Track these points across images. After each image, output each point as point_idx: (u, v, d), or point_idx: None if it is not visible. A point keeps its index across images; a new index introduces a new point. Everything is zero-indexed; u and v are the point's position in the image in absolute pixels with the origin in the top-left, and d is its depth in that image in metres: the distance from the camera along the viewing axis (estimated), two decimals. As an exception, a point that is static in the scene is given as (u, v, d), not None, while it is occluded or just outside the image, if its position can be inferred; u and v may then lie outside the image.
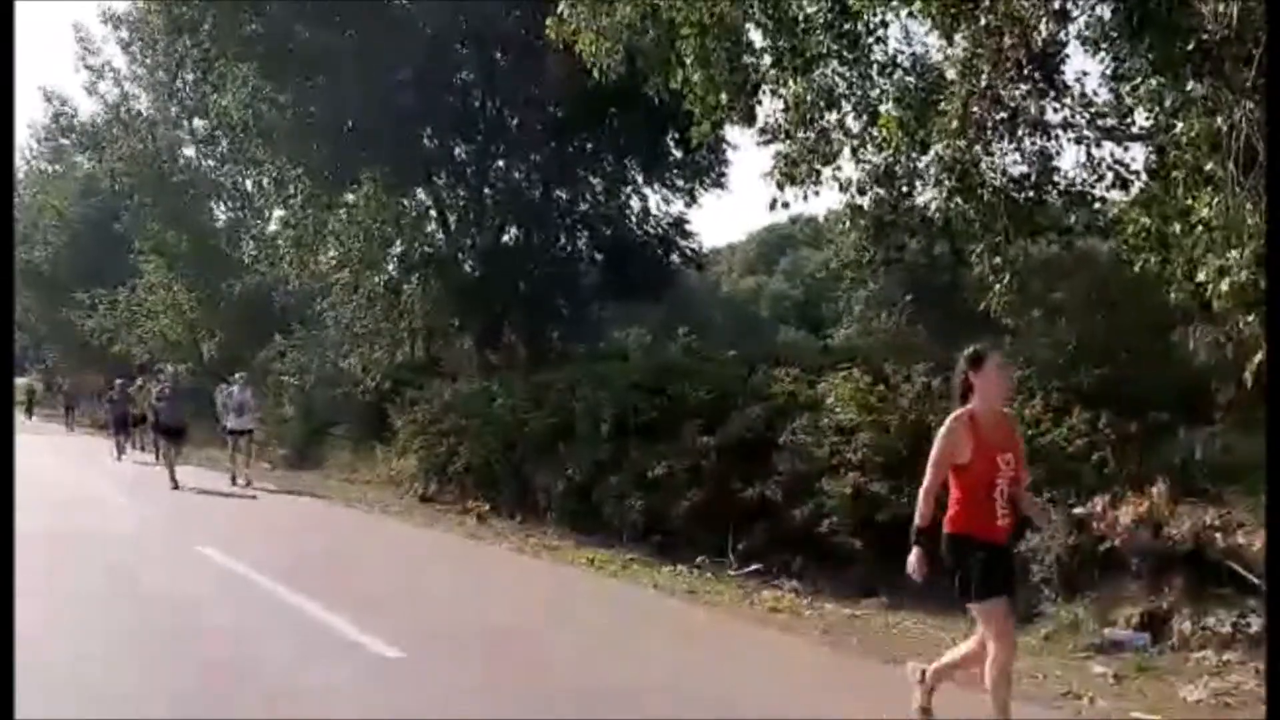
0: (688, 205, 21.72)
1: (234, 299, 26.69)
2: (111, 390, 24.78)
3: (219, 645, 6.89)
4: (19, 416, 35.32)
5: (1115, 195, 9.80)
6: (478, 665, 6.44)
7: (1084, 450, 8.51)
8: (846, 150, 11.16)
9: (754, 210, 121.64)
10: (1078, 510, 7.88)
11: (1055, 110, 9.59)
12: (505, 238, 21.10)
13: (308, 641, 7.01)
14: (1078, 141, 9.42)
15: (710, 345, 15.42)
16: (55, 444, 26.62)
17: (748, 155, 50.20)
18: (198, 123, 26.50)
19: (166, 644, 6.95)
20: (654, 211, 21.84)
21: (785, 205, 11.08)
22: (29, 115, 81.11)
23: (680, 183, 21.37)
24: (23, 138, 51.54)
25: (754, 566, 9.79)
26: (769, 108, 10.85)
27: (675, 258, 22.52)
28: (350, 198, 19.25)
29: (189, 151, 30.61)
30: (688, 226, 22.15)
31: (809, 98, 10.59)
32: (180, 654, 6.68)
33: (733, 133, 22.04)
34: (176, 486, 16.64)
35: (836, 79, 10.88)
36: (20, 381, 49.38)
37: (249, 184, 28.19)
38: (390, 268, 20.32)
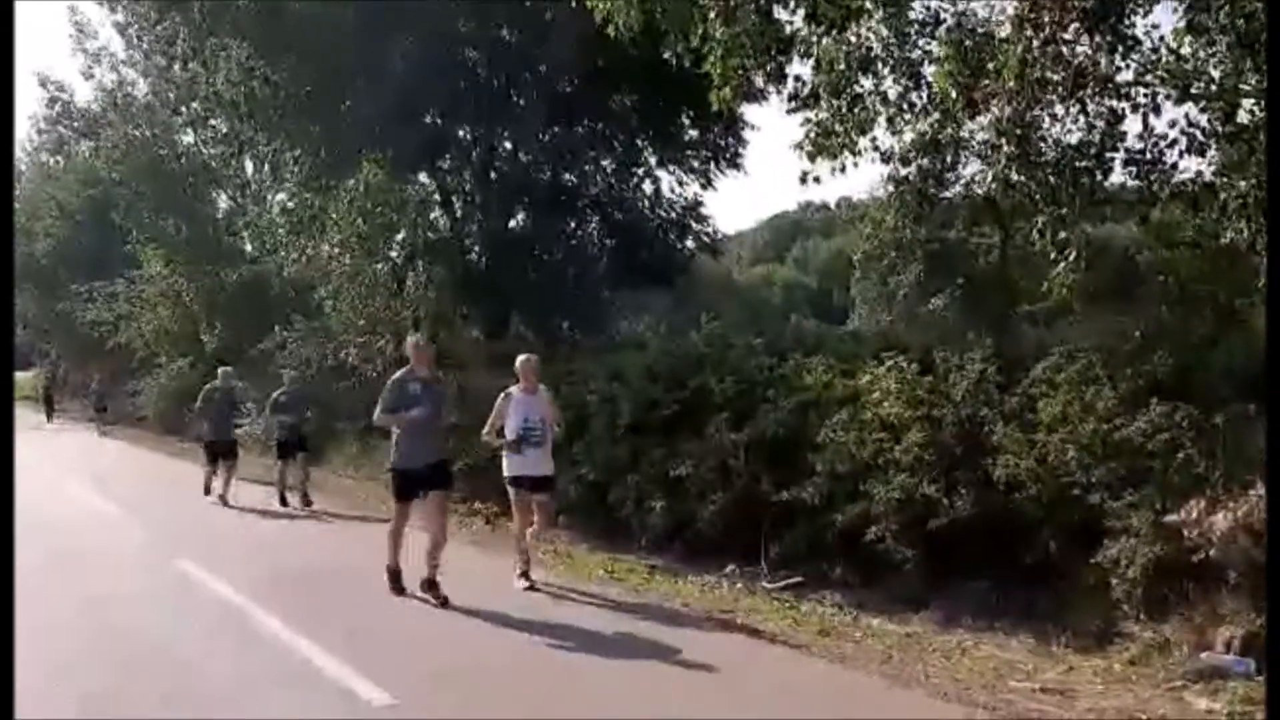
0: (703, 188, 20.82)
1: (233, 289, 25.77)
2: (215, 388, 15.48)
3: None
4: (39, 419, 33.28)
5: (1186, 163, 8.91)
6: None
7: (1166, 446, 7.52)
8: (882, 118, 10.26)
9: (765, 197, 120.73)
10: (1170, 517, 6.91)
11: (1124, 68, 8.66)
12: (512, 223, 20.23)
13: (294, 687, 6.11)
14: (1153, 105, 8.40)
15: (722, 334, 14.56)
16: (106, 468, 20.05)
17: (760, 138, 49.17)
18: (193, 106, 25.55)
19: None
20: (667, 194, 20.96)
21: (816, 180, 10.14)
22: (25, 100, 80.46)
23: (695, 164, 20.44)
24: (22, 130, 51.09)
25: (793, 579, 8.85)
26: (798, 70, 9.96)
27: (690, 243, 21.59)
28: (350, 181, 18.31)
29: (187, 138, 29.71)
30: (703, 210, 21.24)
31: (843, 59, 9.65)
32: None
33: (750, 111, 21.39)
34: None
35: (872, 38, 9.97)
36: (25, 376, 48.85)
37: (248, 169, 27.33)
38: (393, 255, 19.38)
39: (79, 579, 9.18)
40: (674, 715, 5.47)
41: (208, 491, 14.70)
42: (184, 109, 26.67)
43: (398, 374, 8.37)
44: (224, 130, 23.04)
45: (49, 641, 6.78)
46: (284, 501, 13.92)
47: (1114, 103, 8.45)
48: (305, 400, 14.80)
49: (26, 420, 32.14)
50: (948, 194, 10.64)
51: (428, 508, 8.24)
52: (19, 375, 44.78)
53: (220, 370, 15.67)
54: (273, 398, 14.41)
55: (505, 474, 8.65)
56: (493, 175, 19.54)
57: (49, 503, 13.72)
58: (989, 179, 9.26)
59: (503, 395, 8.63)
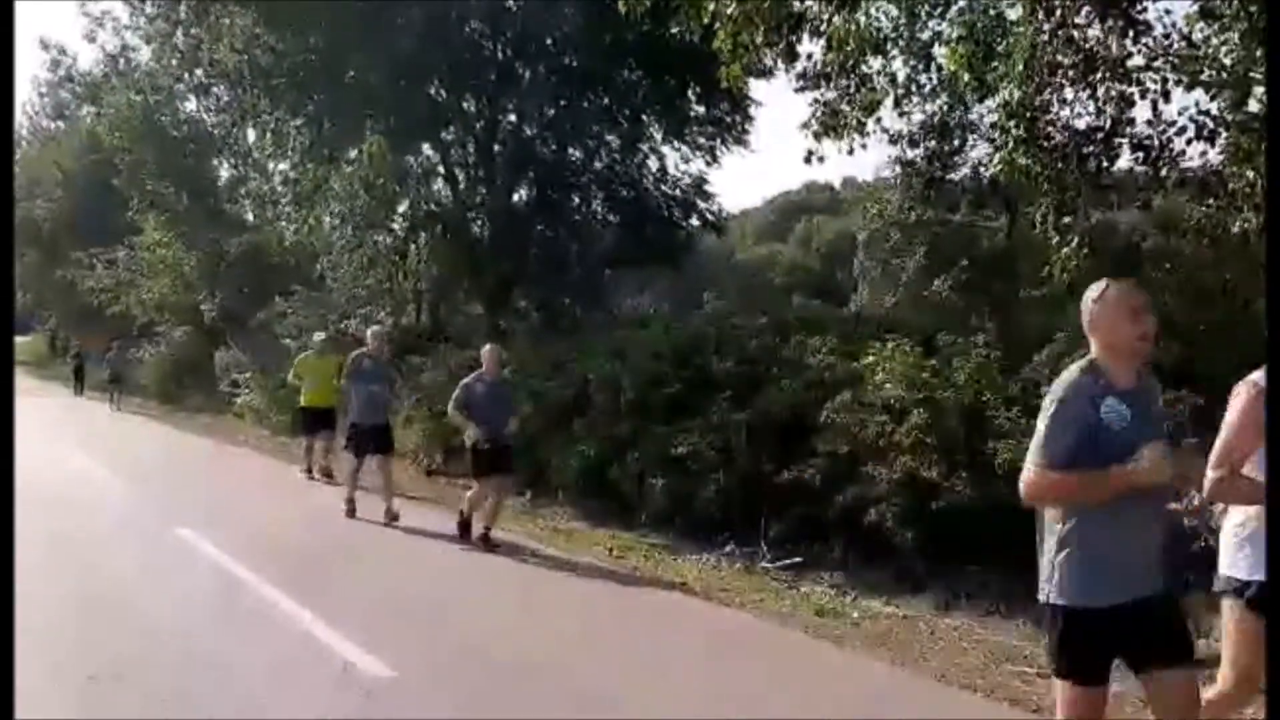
0: (708, 164, 20.67)
1: (234, 258, 25.71)
2: (363, 354, 11.23)
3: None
4: (68, 392, 32.09)
5: (1193, 150, 8.87)
6: (477, 690, 5.56)
7: (1169, 435, 7.50)
8: (890, 100, 10.21)
9: (770, 176, 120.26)
10: (1170, 506, 6.90)
11: (1135, 54, 8.60)
12: (516, 197, 20.11)
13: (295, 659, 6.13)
14: (1162, 91, 8.33)
15: (725, 313, 14.53)
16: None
17: (767, 116, 48.97)
18: (196, 73, 25.40)
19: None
20: (672, 171, 20.80)
21: (821, 160, 10.10)
22: (27, 62, 79.83)
23: (701, 140, 20.30)
24: (24, 93, 50.94)
25: (792, 560, 8.86)
26: (808, 49, 9.89)
27: (694, 220, 21.48)
28: (353, 152, 18.22)
29: (189, 106, 29.58)
30: (707, 187, 21.11)
31: (852, 38, 9.58)
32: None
33: (758, 88, 21.13)
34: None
35: (882, 18, 9.93)
36: (23, 340, 48.88)
37: (250, 137, 27.26)
38: (395, 226, 19.33)
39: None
40: (672, 692, 5.49)
41: (352, 513, 10.77)
42: (186, 76, 26.48)
43: (1072, 377, 3.47)
44: (226, 98, 22.94)
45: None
46: (465, 531, 9.53)
47: (1124, 88, 8.39)
48: (512, 397, 10.19)
49: (53, 391, 32.16)
50: (954, 177, 10.59)
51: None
52: (17, 339, 44.61)
53: (370, 331, 11.88)
54: (464, 389, 9.56)
55: (1231, 571, 4.07)
56: (496, 148, 19.42)
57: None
58: (996, 162, 9.21)
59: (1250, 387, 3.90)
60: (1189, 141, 8.77)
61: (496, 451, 9.42)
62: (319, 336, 14.57)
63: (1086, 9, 8.25)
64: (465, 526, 9.53)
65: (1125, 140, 8.87)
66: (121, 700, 5.20)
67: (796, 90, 10.15)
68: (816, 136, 9.84)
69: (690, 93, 19.05)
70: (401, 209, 19.47)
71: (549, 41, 18.17)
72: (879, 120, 10.17)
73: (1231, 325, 8.78)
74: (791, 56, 9.40)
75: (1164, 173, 8.24)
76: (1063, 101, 8.43)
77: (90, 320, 36.31)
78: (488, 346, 10.00)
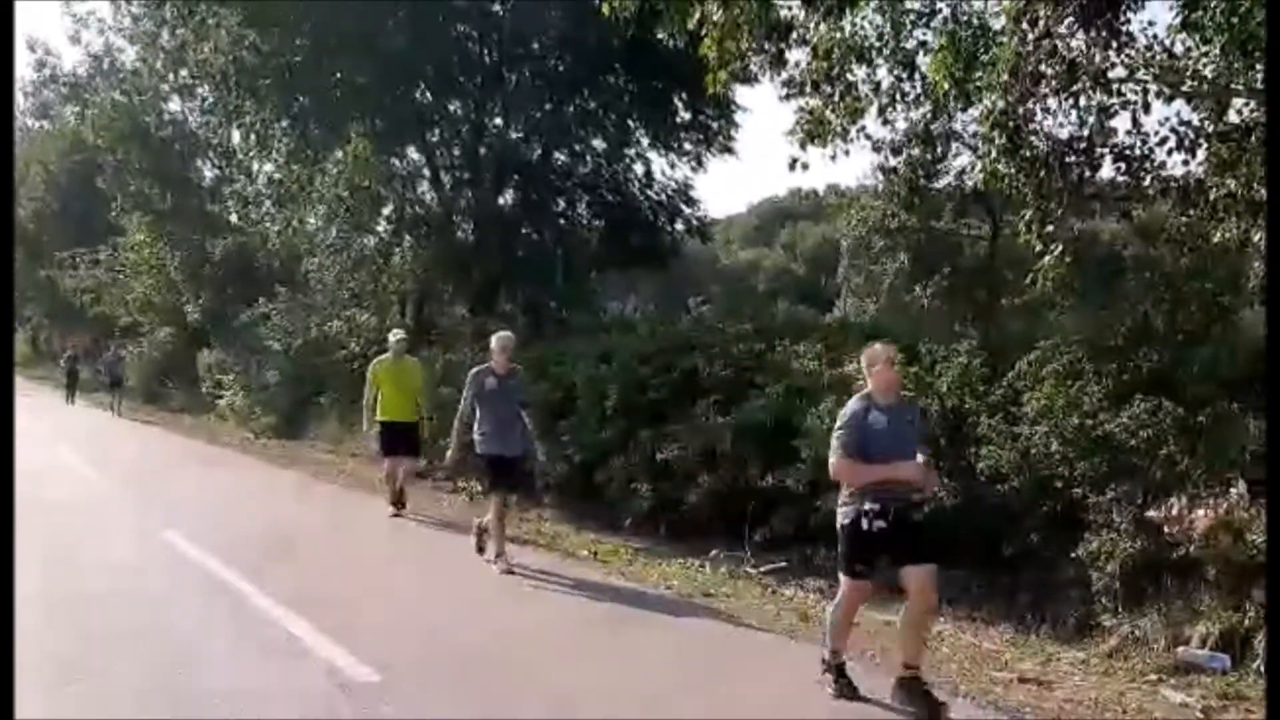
0: (694, 170, 20.68)
1: (218, 259, 25.64)
2: (487, 370, 8.96)
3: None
4: (60, 398, 30.81)
5: (1175, 160, 8.96)
6: (462, 693, 5.59)
7: (1149, 442, 7.58)
8: (874, 108, 10.28)
9: (755, 182, 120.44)
10: (1151, 513, 6.99)
11: (1118, 64, 8.69)
12: (502, 200, 20.08)
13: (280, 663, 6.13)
14: (1143, 102, 8.43)
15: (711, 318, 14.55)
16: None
17: (752, 123, 49.13)
18: (181, 74, 25.29)
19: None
20: (658, 176, 20.80)
21: (806, 166, 10.16)
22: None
23: (687, 146, 20.31)
24: (8, 92, 50.54)
25: (777, 565, 8.90)
26: (794, 57, 9.97)
27: (680, 225, 21.49)
28: (338, 154, 18.19)
29: (174, 106, 29.48)
30: (692, 193, 21.12)
31: (837, 47, 9.65)
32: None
33: (742, 95, 21.17)
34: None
35: (867, 26, 10.00)
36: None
37: (235, 137, 27.17)
38: (380, 229, 19.30)
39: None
40: (657, 693, 5.52)
41: (482, 549, 9.02)
42: (171, 76, 26.38)
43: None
44: (211, 99, 22.82)
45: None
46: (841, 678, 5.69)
47: (1105, 98, 8.48)
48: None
49: (44, 394, 31.85)
50: (937, 185, 10.65)
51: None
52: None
53: (495, 340, 9.16)
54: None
55: None
56: (482, 151, 19.40)
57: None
58: (978, 171, 9.28)
59: None
60: (1170, 152, 8.90)
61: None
62: (397, 336, 12.04)
63: (1070, 20, 8.34)
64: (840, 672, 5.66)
65: (1107, 150, 8.99)
66: (114, 701, 5.22)
67: (782, 98, 10.22)
68: (801, 143, 9.90)
69: (676, 99, 19.06)
70: (386, 211, 19.44)
71: (535, 45, 18.18)
72: (863, 128, 10.27)
73: (1211, 334, 8.85)
74: (779, 63, 9.46)
75: (1145, 182, 8.32)
76: (1045, 111, 8.52)
77: (72, 320, 36.19)
78: (878, 346, 6.12)
